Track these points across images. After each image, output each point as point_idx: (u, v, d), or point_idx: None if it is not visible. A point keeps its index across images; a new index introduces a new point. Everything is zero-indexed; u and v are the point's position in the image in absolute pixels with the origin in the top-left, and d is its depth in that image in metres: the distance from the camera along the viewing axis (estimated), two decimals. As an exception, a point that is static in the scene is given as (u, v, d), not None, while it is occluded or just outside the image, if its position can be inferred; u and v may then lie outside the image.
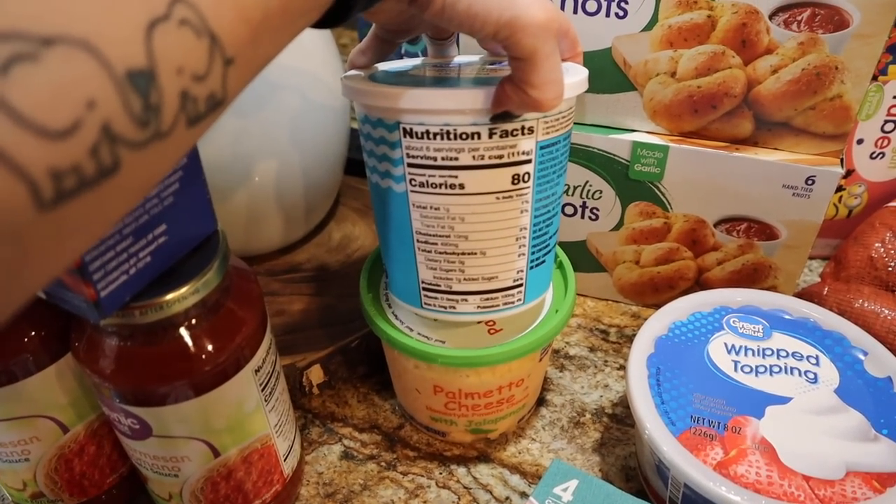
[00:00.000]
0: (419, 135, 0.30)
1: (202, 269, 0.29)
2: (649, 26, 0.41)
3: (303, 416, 0.44)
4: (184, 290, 0.28)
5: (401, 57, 0.59)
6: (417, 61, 0.38)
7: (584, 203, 0.48)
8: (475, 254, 0.33)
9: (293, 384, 0.43)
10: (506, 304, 0.35)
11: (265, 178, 0.46)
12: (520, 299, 0.36)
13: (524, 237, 0.33)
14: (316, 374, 0.44)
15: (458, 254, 0.33)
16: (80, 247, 0.16)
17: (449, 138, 0.30)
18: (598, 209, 0.48)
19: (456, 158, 0.30)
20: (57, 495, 0.36)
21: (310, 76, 0.46)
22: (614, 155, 0.45)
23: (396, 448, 0.42)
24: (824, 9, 0.38)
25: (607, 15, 0.41)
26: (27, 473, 0.34)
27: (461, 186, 0.31)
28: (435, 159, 0.31)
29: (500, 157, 0.30)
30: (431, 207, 0.32)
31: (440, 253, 0.33)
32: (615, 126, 0.45)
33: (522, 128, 0.30)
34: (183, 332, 0.29)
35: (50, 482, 0.35)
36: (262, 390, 0.33)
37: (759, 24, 0.39)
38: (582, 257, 0.50)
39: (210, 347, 0.30)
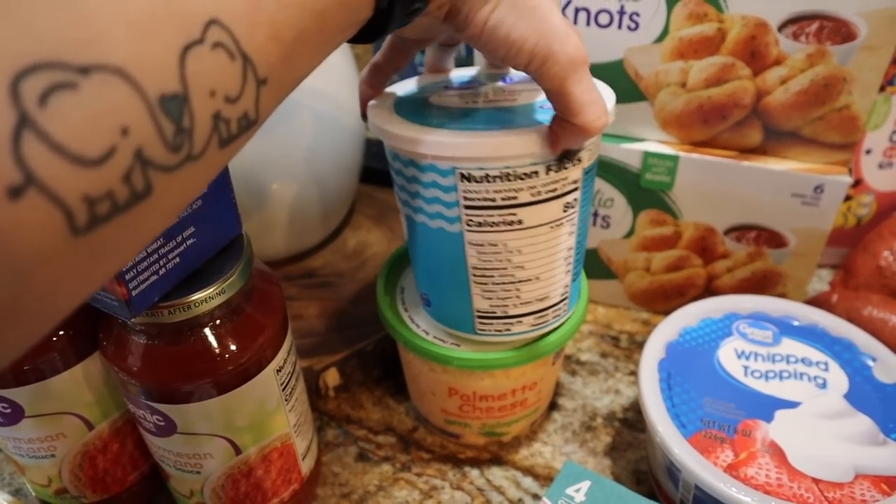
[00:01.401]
0: (478, 179, 0.31)
1: (227, 271, 0.30)
2: (660, 38, 0.42)
3: (319, 418, 0.45)
4: (209, 290, 0.29)
5: (415, 69, 0.61)
6: (425, 81, 0.38)
7: (597, 211, 0.48)
8: (530, 280, 0.34)
9: (310, 387, 0.44)
10: (555, 317, 0.37)
11: (283, 186, 0.47)
12: (565, 310, 0.37)
13: (570, 256, 0.35)
14: (332, 377, 0.45)
15: (515, 282, 0.34)
16: (114, 268, 0.17)
17: (509, 180, 0.31)
18: (609, 217, 0.48)
19: (515, 197, 0.31)
20: (80, 491, 0.36)
21: (327, 87, 0.47)
22: (626, 164, 0.46)
23: (411, 450, 0.43)
24: (832, 21, 0.38)
25: (619, 27, 0.42)
26: (52, 469, 0.35)
27: (519, 222, 0.32)
28: (494, 200, 0.31)
29: (555, 189, 0.31)
30: (489, 244, 0.33)
31: (497, 284, 0.34)
32: (627, 136, 0.46)
33: (574, 159, 0.31)
34: (208, 332, 0.30)
35: (74, 478, 0.36)
36: (283, 390, 0.34)
37: (767, 36, 0.40)
38: (594, 265, 0.51)
39: (233, 347, 0.31)
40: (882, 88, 0.48)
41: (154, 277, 0.28)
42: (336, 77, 0.48)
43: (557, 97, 0.27)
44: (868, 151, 0.51)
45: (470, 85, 0.36)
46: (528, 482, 0.41)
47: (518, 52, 0.26)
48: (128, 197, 0.15)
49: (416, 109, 0.33)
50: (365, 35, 0.24)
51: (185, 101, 0.16)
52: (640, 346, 0.50)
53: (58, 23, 0.13)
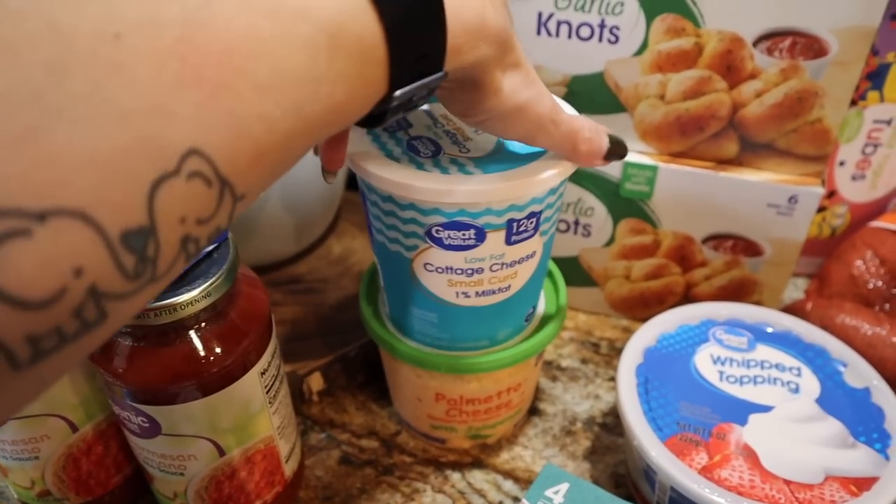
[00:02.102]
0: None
1: (213, 274, 0.31)
2: (640, 51, 0.43)
3: (303, 422, 0.45)
4: (195, 293, 0.30)
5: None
6: (418, 118, 0.36)
7: (577, 220, 0.49)
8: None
9: (294, 391, 0.45)
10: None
11: (268, 193, 0.47)
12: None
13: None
14: (316, 382, 0.45)
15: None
16: (58, 378, 0.16)
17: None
18: (590, 226, 0.49)
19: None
20: (63, 494, 0.37)
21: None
22: (606, 174, 0.47)
23: (393, 454, 0.43)
24: (804, 37, 0.40)
25: (600, 40, 0.43)
26: (36, 471, 0.35)
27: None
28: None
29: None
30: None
31: None
32: (607, 146, 0.47)
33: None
34: (193, 334, 0.31)
35: (57, 480, 0.36)
36: (267, 393, 0.34)
37: (743, 50, 0.41)
38: (575, 272, 0.52)
39: (218, 350, 0.31)
40: (854, 103, 0.50)
41: (141, 280, 0.28)
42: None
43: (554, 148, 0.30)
44: (842, 163, 0.52)
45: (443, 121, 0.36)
46: (508, 485, 0.41)
47: (513, 135, 0.29)
48: (77, 329, 0.15)
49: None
50: (363, 122, 0.23)
51: (150, 233, 0.15)
52: (619, 352, 0.51)
53: (21, 165, 0.13)
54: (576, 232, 0.50)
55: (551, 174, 0.31)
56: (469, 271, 0.33)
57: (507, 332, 0.38)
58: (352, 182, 0.63)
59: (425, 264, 0.34)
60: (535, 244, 0.34)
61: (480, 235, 0.32)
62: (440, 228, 0.32)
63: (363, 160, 0.31)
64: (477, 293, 0.35)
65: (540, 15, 0.43)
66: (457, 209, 0.31)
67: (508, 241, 0.33)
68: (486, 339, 0.37)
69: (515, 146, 0.33)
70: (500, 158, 0.32)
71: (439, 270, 0.34)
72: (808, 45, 0.40)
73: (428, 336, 0.37)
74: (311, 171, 0.49)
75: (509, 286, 0.35)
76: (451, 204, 0.30)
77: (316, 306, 0.50)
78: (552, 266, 0.43)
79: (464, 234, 0.32)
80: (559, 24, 0.43)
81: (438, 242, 0.32)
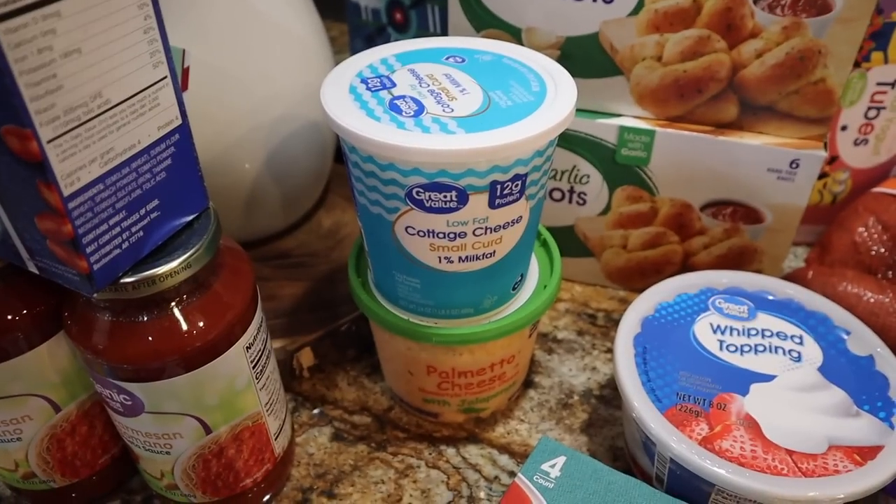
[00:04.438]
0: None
1: (194, 245, 0.30)
2: (636, 11, 0.41)
3: (293, 398, 0.44)
4: (175, 264, 0.29)
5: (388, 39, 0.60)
6: (403, 77, 0.34)
7: (572, 188, 0.48)
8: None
9: (284, 368, 0.44)
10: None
11: (255, 165, 0.46)
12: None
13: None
14: (306, 358, 0.44)
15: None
16: None
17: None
18: (585, 194, 0.48)
19: None
20: (49, 475, 0.36)
21: (298, 66, 0.46)
22: (601, 139, 0.45)
23: (386, 429, 0.42)
24: (807, -7, 0.38)
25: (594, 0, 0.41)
26: (19, 453, 0.34)
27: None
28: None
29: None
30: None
31: None
32: (602, 111, 0.46)
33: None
34: (174, 307, 0.30)
35: (42, 462, 0.35)
36: (253, 368, 0.33)
37: (743, 8, 0.39)
38: (570, 242, 0.51)
39: (201, 323, 0.30)
40: (857, 64, 0.48)
41: (117, 251, 0.27)
42: (308, 56, 0.47)
43: None
44: (844, 128, 0.51)
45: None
46: (504, 460, 0.41)
47: None
48: None
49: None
50: None
51: None
52: (616, 323, 0.50)
53: None
54: (570, 200, 0.49)
55: (536, 135, 0.30)
56: (451, 235, 0.32)
57: (493, 300, 0.37)
58: (341, 154, 0.61)
59: (406, 227, 0.33)
60: (520, 208, 0.33)
61: (462, 197, 0.31)
62: (420, 190, 0.31)
63: (343, 119, 0.30)
64: (460, 258, 0.34)
65: (532, -26, 0.41)
66: (437, 169, 0.30)
67: (492, 205, 0.32)
68: (471, 307, 0.36)
69: (502, 107, 0.31)
70: (484, 119, 0.31)
71: (421, 234, 0.33)
72: (811, 1, 0.38)
73: (412, 302, 0.36)
74: (299, 144, 0.48)
75: (494, 252, 0.34)
76: (431, 164, 0.29)
77: (305, 281, 0.49)
78: (546, 235, 0.42)
79: (445, 196, 0.31)
80: (552, -17, 0.41)
81: (419, 204, 0.31)
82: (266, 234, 0.52)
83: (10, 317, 0.31)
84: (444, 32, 0.55)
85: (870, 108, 0.50)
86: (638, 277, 0.51)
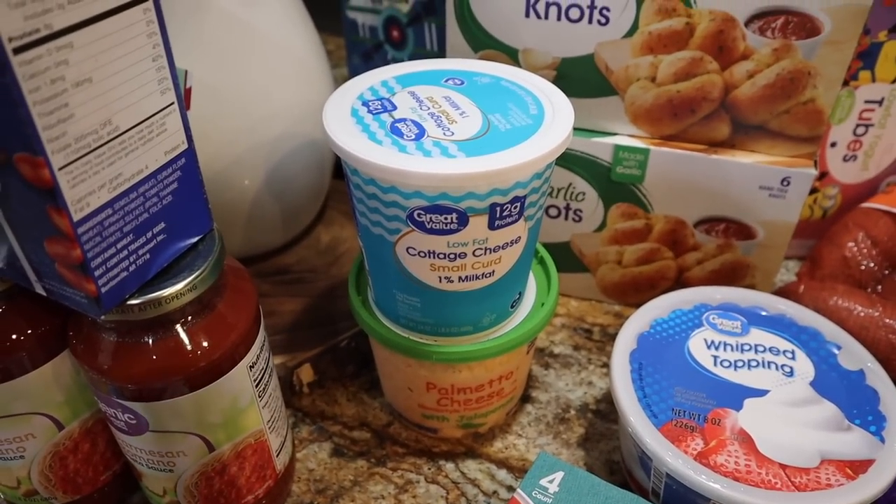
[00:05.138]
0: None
1: (199, 266, 0.30)
2: (630, 33, 0.42)
3: (293, 414, 0.45)
4: (180, 286, 0.29)
5: (387, 64, 0.60)
6: (404, 100, 0.35)
7: (568, 205, 0.49)
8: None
9: (284, 383, 0.44)
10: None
11: (254, 182, 0.47)
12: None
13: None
14: (306, 374, 0.45)
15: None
16: None
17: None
18: (581, 211, 0.49)
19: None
20: (51, 493, 0.36)
21: (297, 83, 0.47)
22: (597, 158, 0.46)
23: (386, 445, 0.43)
24: (797, 16, 0.39)
25: (590, 22, 0.42)
26: (22, 471, 0.35)
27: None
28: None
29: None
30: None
31: None
32: (598, 129, 0.46)
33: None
34: (179, 328, 0.30)
35: (44, 479, 0.35)
36: (256, 386, 0.34)
37: (735, 30, 0.40)
38: (566, 258, 0.51)
39: (205, 344, 0.30)
40: (846, 83, 0.49)
41: (124, 274, 0.27)
42: (307, 73, 0.48)
43: None
44: (833, 144, 0.52)
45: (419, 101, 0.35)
46: (502, 474, 0.41)
47: None
48: None
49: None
50: None
51: None
52: (612, 338, 0.50)
53: None
54: (567, 217, 0.49)
55: (534, 159, 0.30)
56: (452, 256, 0.33)
57: (492, 318, 0.37)
58: (339, 170, 0.62)
59: (408, 248, 0.33)
60: (519, 229, 0.33)
61: (463, 219, 0.31)
62: (421, 212, 0.31)
63: (346, 143, 0.31)
64: (460, 278, 0.34)
65: (528, -3, 0.42)
66: (438, 192, 0.30)
67: (492, 226, 0.32)
68: (470, 325, 0.37)
69: (501, 131, 0.32)
70: (484, 142, 0.31)
71: (421, 254, 0.33)
72: (800, 25, 0.39)
73: (412, 320, 0.37)
74: (298, 161, 0.49)
75: (493, 271, 0.34)
76: (433, 187, 0.30)
77: (305, 297, 0.49)
78: (543, 252, 0.42)
79: (446, 218, 0.31)
80: (548, 5, 0.42)
81: (420, 226, 0.32)
82: (266, 249, 0.53)
83: (15, 337, 0.31)
84: (441, 49, 0.56)
85: (858, 125, 0.51)
86: (633, 292, 0.52)
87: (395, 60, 0.60)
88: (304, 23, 0.48)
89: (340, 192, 0.60)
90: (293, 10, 0.47)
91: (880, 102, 0.50)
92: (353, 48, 0.63)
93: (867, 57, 0.48)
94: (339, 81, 0.80)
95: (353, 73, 0.65)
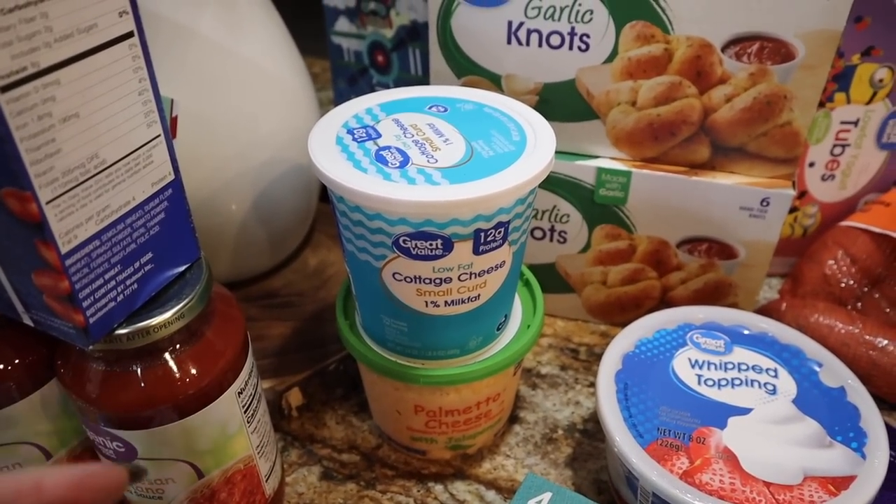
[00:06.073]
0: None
1: (186, 295, 0.30)
2: (610, 58, 0.43)
3: (282, 438, 0.45)
4: (168, 315, 0.29)
5: (373, 88, 0.61)
6: (388, 128, 0.35)
7: (553, 227, 0.49)
8: None
9: (272, 407, 0.44)
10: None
11: (241, 207, 0.47)
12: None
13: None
14: (295, 397, 0.45)
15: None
16: None
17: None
18: (565, 232, 0.49)
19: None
20: (38, 522, 0.36)
21: (283, 109, 0.48)
22: (580, 180, 0.47)
23: (375, 467, 0.43)
24: (772, 42, 0.40)
25: (570, 48, 0.43)
26: (9, 501, 0.35)
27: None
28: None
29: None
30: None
31: None
32: (581, 153, 0.47)
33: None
34: (167, 356, 0.30)
35: (32, 509, 0.35)
36: (245, 412, 0.34)
37: (712, 56, 0.41)
38: (551, 279, 0.52)
39: (194, 371, 0.31)
40: (822, 104, 0.50)
41: (112, 304, 0.28)
42: (292, 99, 0.48)
43: None
44: (811, 164, 0.53)
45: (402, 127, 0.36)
46: (491, 495, 0.41)
47: None
48: None
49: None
50: None
51: None
52: (598, 357, 0.51)
53: None
54: (552, 238, 0.50)
55: (517, 185, 0.31)
56: (437, 281, 0.33)
57: (479, 341, 0.38)
58: (326, 194, 0.62)
59: (394, 274, 0.34)
60: (503, 254, 0.34)
61: (447, 245, 0.32)
62: (407, 238, 0.32)
63: (331, 171, 0.32)
64: (446, 302, 0.35)
65: (510, 24, 0.43)
66: (423, 219, 0.31)
67: (476, 251, 0.33)
68: (457, 348, 0.37)
69: (484, 157, 0.33)
70: (467, 169, 0.32)
71: (407, 280, 0.34)
72: (775, 50, 0.40)
73: (399, 344, 0.37)
74: (285, 185, 0.49)
75: (479, 295, 0.35)
76: (417, 214, 0.31)
77: (292, 321, 0.50)
78: (529, 274, 0.43)
79: (430, 244, 0.32)
80: (529, 32, 0.43)
81: (406, 252, 0.32)
82: (253, 273, 0.53)
83: (2, 366, 0.31)
84: (426, 74, 0.57)
85: (835, 146, 0.52)
86: (618, 312, 0.52)
87: (381, 85, 0.61)
88: (289, 48, 0.49)
89: (327, 216, 0.61)
90: (278, 36, 0.48)
91: (856, 123, 0.51)
92: (339, 72, 0.63)
93: (842, 79, 0.49)
94: (325, 104, 0.81)
95: (339, 96, 0.65)
